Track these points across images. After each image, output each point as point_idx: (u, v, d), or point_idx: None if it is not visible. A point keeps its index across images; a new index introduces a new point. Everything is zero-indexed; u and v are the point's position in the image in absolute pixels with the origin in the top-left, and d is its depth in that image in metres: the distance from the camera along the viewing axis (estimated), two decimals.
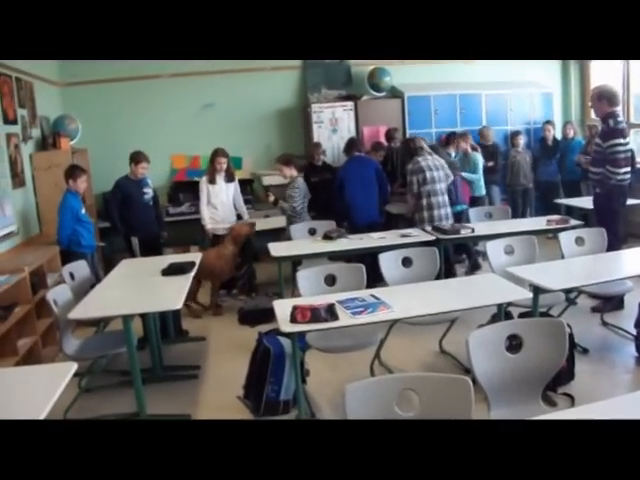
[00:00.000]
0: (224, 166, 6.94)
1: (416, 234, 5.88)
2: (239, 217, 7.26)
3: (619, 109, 5.64)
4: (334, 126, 8.66)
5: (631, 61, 8.80)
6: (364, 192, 6.80)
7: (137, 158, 6.66)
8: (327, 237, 5.89)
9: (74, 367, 2.94)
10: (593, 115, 9.57)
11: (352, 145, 7.20)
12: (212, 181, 6.93)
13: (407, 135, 8.69)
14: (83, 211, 6.15)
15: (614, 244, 5.23)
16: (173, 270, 4.81)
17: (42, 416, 2.40)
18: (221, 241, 6.82)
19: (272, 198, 6.83)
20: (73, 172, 6.08)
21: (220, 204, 6.98)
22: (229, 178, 7.03)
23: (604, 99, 5.47)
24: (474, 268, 7.21)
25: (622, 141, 5.40)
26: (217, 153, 6.93)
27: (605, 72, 9.56)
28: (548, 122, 8.95)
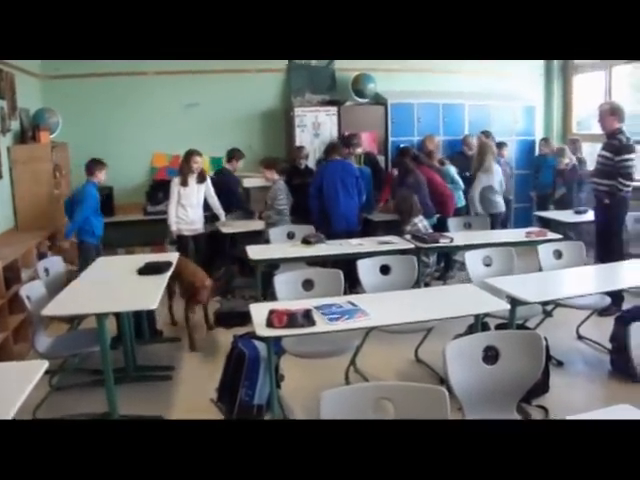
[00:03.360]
0: (200, 166, 6.92)
1: (395, 242, 5.87)
2: (215, 217, 7.23)
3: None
4: (316, 130, 8.63)
5: (613, 76, 8.91)
6: (344, 198, 6.69)
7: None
8: (306, 242, 5.87)
9: (45, 365, 2.90)
10: (575, 129, 9.79)
11: (333, 148, 7.13)
12: (184, 183, 6.87)
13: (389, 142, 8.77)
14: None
15: (620, 251, 5.75)
16: (149, 270, 4.76)
17: (11, 414, 2.35)
18: (185, 242, 6.95)
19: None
20: (98, 164, 6.37)
21: (190, 206, 6.93)
22: (200, 179, 7.00)
23: (616, 115, 5.76)
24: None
25: (633, 156, 5.75)
26: (193, 152, 6.91)
27: (587, 87, 9.68)
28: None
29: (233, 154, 7.68)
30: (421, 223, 6.37)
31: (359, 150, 7.92)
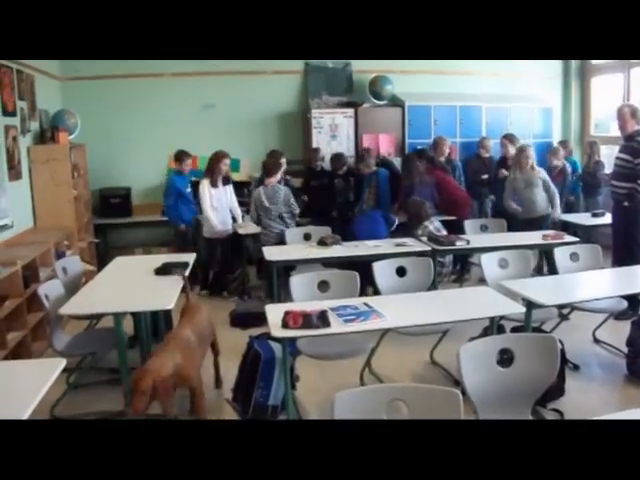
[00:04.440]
0: (228, 168, 6.92)
1: (411, 244, 5.87)
2: (233, 219, 7.22)
3: None
4: (333, 132, 8.64)
5: (632, 77, 8.85)
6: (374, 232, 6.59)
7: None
8: (322, 243, 5.88)
9: (63, 363, 2.93)
10: (592, 131, 9.73)
11: None
12: (214, 184, 6.85)
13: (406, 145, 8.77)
14: (188, 190, 7.24)
15: (637, 254, 5.69)
16: (167, 270, 4.78)
17: (28, 411, 2.38)
18: (213, 245, 6.94)
19: None
20: (182, 155, 7.18)
21: (221, 207, 6.93)
22: (226, 181, 7.01)
23: (636, 117, 5.76)
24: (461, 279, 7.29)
25: None
26: (223, 154, 6.89)
27: (605, 89, 9.64)
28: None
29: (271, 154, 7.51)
30: (432, 225, 6.35)
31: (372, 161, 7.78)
